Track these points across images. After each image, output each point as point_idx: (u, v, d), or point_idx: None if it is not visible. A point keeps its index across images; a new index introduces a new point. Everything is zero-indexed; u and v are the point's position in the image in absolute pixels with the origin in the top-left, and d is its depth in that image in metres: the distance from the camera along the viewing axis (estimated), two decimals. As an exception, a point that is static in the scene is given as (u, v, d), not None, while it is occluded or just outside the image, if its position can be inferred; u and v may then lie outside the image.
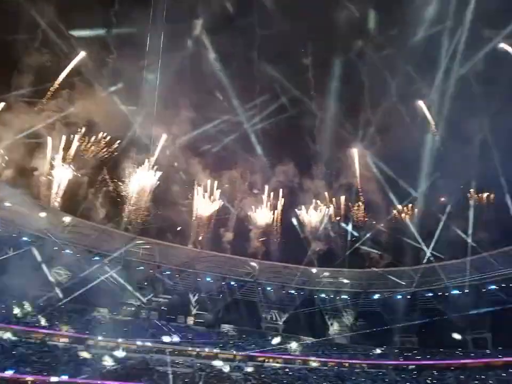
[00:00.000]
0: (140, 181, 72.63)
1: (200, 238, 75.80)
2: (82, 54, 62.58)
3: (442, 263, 67.66)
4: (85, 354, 53.30)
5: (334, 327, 76.39)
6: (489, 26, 49.75)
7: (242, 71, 61.94)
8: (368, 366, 68.35)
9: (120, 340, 58.62)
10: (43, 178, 64.41)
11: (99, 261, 64.93)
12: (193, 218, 76.81)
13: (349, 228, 75.50)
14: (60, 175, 65.65)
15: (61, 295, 58.50)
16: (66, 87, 63.16)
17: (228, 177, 78.86)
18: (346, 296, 76.38)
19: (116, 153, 70.76)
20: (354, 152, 76.17)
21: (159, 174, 73.44)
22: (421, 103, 66.28)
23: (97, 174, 69.59)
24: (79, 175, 67.27)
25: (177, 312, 71.82)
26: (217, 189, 78.58)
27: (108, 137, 69.92)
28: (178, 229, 72.08)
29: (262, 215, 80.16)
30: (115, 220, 67.43)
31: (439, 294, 71.91)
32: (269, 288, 76.49)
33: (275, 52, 62.20)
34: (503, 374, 57.67)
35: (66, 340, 56.02)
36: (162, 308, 70.85)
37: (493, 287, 66.44)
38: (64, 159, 66.16)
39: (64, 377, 47.08)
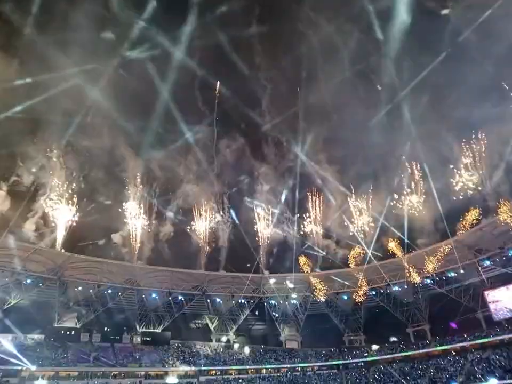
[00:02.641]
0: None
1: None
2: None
3: (382, 262, 71.52)
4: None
5: (285, 333, 76.70)
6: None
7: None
8: (318, 367, 69.50)
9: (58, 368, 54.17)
10: None
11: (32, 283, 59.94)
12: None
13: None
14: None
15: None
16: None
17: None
18: (295, 301, 77.19)
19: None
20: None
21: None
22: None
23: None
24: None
25: (122, 332, 67.75)
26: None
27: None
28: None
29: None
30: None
31: (381, 292, 74.99)
32: (218, 300, 75.19)
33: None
34: (442, 362, 61.42)
35: (-5, 373, 49.95)
36: (105, 328, 66.54)
37: (428, 281, 70.82)
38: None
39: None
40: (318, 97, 66.17)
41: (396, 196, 72.88)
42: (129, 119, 64.45)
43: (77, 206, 66.95)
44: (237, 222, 76.40)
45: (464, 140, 66.77)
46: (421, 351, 65.91)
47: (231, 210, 78.50)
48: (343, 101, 65.23)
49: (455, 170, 67.95)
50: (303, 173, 72.61)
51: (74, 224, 66.05)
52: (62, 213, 65.83)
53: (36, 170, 65.07)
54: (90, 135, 66.58)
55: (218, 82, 67.81)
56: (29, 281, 60.18)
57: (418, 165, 71.78)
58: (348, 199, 77.94)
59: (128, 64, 58.78)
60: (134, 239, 70.76)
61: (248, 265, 70.35)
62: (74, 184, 68.06)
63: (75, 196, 67.24)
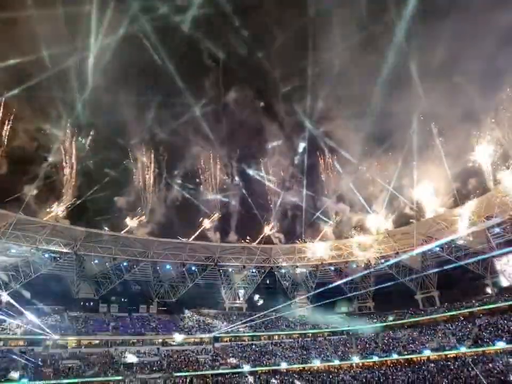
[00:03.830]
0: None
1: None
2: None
3: (392, 230, 71.89)
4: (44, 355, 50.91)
5: (296, 300, 78.66)
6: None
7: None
8: (329, 333, 71.67)
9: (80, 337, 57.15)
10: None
11: (50, 257, 62.07)
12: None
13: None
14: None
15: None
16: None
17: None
18: (304, 270, 78.61)
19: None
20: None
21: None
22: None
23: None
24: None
25: (139, 302, 70.41)
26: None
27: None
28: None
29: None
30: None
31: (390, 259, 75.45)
32: (230, 270, 76.97)
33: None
34: (450, 327, 62.68)
35: (22, 342, 52.99)
36: (122, 299, 69.19)
37: (437, 248, 71.06)
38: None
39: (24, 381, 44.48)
40: (328, 56, 63.58)
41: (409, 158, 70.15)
42: (135, 92, 64.25)
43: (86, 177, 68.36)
44: (244, 191, 76.48)
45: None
46: (429, 316, 67.38)
47: (239, 177, 78.16)
48: (354, 58, 62.33)
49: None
50: (313, 136, 70.78)
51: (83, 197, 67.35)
52: (71, 184, 67.22)
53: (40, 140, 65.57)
54: (95, 110, 66.23)
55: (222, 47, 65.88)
56: (46, 255, 62.40)
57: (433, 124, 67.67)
58: (359, 162, 76.53)
59: (130, 37, 57.63)
60: (143, 208, 72.39)
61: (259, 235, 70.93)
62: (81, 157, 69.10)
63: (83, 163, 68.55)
